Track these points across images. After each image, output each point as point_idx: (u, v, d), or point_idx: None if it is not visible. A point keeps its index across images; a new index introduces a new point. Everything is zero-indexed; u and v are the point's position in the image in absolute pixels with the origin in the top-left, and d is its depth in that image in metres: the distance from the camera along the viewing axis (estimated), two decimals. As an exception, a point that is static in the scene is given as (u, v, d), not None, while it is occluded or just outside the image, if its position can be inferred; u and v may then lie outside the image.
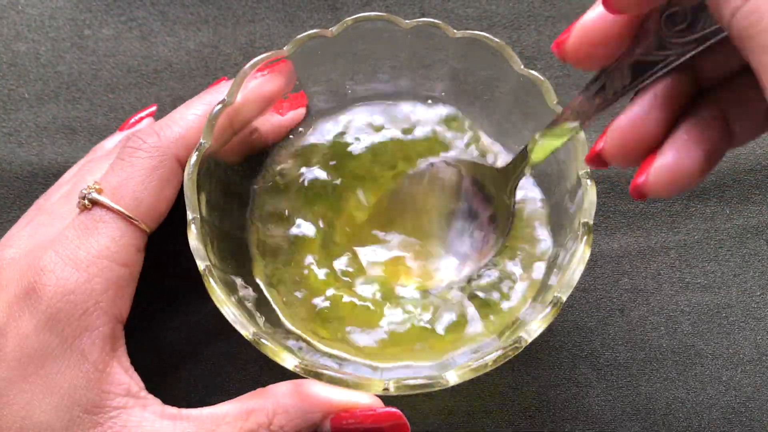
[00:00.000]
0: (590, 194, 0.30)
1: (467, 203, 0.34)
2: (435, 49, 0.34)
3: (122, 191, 0.29)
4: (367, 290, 0.33)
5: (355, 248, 0.34)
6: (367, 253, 0.34)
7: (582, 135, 0.30)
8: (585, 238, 0.29)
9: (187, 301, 0.36)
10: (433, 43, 0.34)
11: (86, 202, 0.29)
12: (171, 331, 0.36)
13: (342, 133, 0.36)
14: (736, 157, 0.39)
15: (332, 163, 0.35)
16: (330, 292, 0.33)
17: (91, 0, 0.41)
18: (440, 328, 0.32)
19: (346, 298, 0.33)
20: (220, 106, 0.31)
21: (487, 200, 0.34)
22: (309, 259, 0.34)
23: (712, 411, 0.36)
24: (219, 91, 0.33)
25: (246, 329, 0.27)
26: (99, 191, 0.29)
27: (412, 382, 0.26)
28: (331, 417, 0.27)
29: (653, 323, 0.37)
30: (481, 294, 0.33)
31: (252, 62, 0.32)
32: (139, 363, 0.29)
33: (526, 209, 0.35)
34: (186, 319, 0.36)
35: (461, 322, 0.32)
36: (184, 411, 0.28)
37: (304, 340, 0.32)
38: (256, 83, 0.32)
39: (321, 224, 0.34)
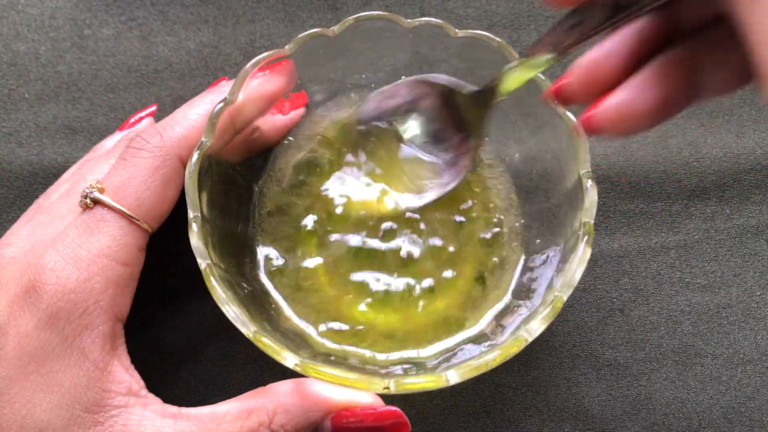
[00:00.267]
0: (591, 194, 0.30)
1: (439, 124, 0.34)
2: (436, 48, 0.34)
3: (124, 191, 0.29)
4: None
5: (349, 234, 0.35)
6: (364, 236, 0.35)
7: (584, 140, 0.30)
8: (586, 237, 0.29)
9: (187, 300, 0.36)
10: (435, 43, 0.34)
11: (88, 201, 0.29)
12: (171, 330, 0.36)
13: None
14: (736, 157, 0.39)
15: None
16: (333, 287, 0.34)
17: (91, 0, 0.41)
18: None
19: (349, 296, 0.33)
20: (221, 104, 0.31)
21: (459, 124, 0.34)
22: (311, 253, 0.34)
23: (712, 411, 0.36)
24: (220, 91, 0.33)
25: (247, 328, 0.27)
26: (101, 190, 0.29)
27: (412, 381, 0.26)
28: (331, 416, 0.27)
29: (653, 323, 0.37)
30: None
31: (253, 61, 0.32)
32: (139, 362, 0.29)
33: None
34: (187, 319, 0.36)
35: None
36: (185, 410, 0.28)
37: (307, 336, 0.32)
38: (258, 82, 0.32)
39: (320, 215, 0.35)
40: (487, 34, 0.33)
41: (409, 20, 0.33)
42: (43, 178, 0.38)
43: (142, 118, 0.37)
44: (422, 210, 0.35)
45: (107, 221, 0.29)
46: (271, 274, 0.34)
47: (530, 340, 0.27)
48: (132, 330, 0.30)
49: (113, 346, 0.28)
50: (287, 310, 0.33)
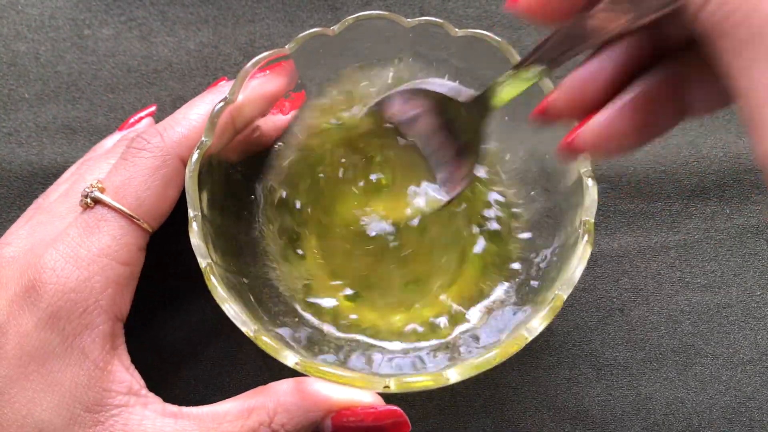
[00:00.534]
0: (591, 192, 0.30)
1: (437, 134, 0.34)
2: (436, 48, 0.34)
3: (125, 191, 0.29)
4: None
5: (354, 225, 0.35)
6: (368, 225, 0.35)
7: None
8: (586, 236, 0.29)
9: (187, 300, 0.36)
10: (435, 42, 0.34)
11: (88, 200, 0.29)
12: (171, 330, 0.36)
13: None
14: (737, 157, 0.39)
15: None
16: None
17: (91, 0, 0.41)
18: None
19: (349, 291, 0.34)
20: (221, 104, 0.31)
21: (456, 134, 0.33)
22: (311, 249, 0.34)
23: (712, 411, 0.36)
24: (221, 91, 0.33)
25: (247, 326, 0.27)
26: (102, 190, 0.29)
27: (413, 379, 0.26)
28: (332, 415, 0.27)
29: (653, 323, 0.37)
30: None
31: (254, 60, 0.32)
32: (139, 362, 0.29)
33: None
34: (187, 319, 0.36)
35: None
36: (185, 409, 0.28)
37: (315, 328, 0.32)
38: (258, 82, 0.32)
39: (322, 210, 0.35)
40: (488, 33, 0.33)
41: (408, 20, 0.33)
42: (43, 178, 0.38)
43: (141, 118, 0.37)
44: (423, 211, 0.35)
45: (108, 221, 0.29)
46: (271, 270, 0.34)
47: (530, 338, 0.27)
48: (132, 330, 0.30)
49: (113, 346, 0.28)
50: (290, 304, 0.33)
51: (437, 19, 0.33)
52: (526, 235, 0.35)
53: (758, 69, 0.17)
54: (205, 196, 0.30)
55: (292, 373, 0.27)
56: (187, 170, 0.29)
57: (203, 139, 0.30)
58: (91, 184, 0.30)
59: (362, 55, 0.35)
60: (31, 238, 0.30)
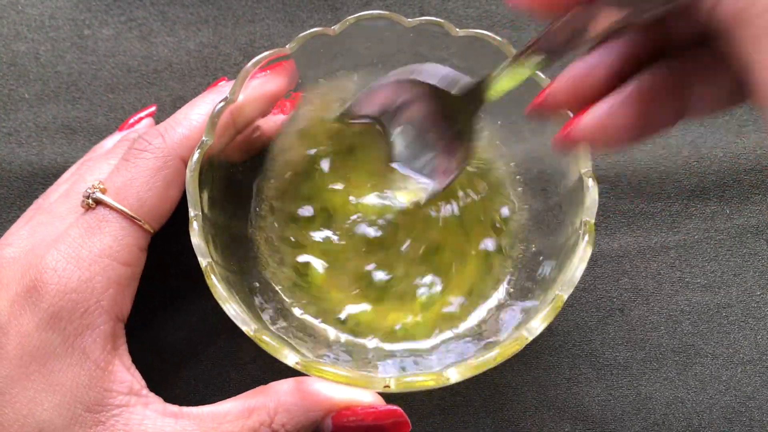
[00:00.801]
0: (592, 193, 0.30)
1: (429, 126, 0.34)
2: (437, 47, 0.34)
3: (126, 191, 0.29)
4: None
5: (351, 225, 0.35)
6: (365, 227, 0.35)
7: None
8: (586, 237, 0.29)
9: (188, 300, 0.36)
10: (435, 42, 0.34)
11: (90, 201, 0.29)
12: (172, 330, 0.36)
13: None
14: (737, 157, 0.39)
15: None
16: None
17: (91, 0, 0.41)
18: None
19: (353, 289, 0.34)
20: (222, 103, 0.31)
21: (448, 125, 0.33)
22: (311, 247, 0.34)
23: (712, 411, 0.36)
24: (222, 91, 0.33)
25: (248, 326, 0.27)
26: (103, 191, 0.29)
27: (413, 379, 0.26)
28: (332, 415, 0.27)
29: (653, 323, 0.37)
30: None
31: (254, 60, 0.32)
32: (140, 362, 0.29)
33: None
34: (187, 319, 0.36)
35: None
36: (186, 409, 0.28)
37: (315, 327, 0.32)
38: (259, 82, 0.32)
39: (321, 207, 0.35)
40: (488, 33, 0.33)
41: (409, 20, 0.33)
42: (43, 178, 0.38)
43: (141, 119, 0.37)
44: (420, 207, 0.35)
45: (109, 221, 0.29)
46: (271, 269, 0.34)
47: (530, 339, 0.27)
48: (133, 330, 0.30)
49: (114, 346, 0.28)
50: (290, 304, 0.33)
51: (438, 19, 0.33)
52: (526, 236, 0.35)
53: None
54: (205, 195, 0.30)
55: (292, 372, 0.27)
56: (187, 170, 0.29)
57: (204, 138, 0.30)
58: (93, 185, 0.30)
59: (362, 55, 0.35)
60: (32, 238, 0.30)
